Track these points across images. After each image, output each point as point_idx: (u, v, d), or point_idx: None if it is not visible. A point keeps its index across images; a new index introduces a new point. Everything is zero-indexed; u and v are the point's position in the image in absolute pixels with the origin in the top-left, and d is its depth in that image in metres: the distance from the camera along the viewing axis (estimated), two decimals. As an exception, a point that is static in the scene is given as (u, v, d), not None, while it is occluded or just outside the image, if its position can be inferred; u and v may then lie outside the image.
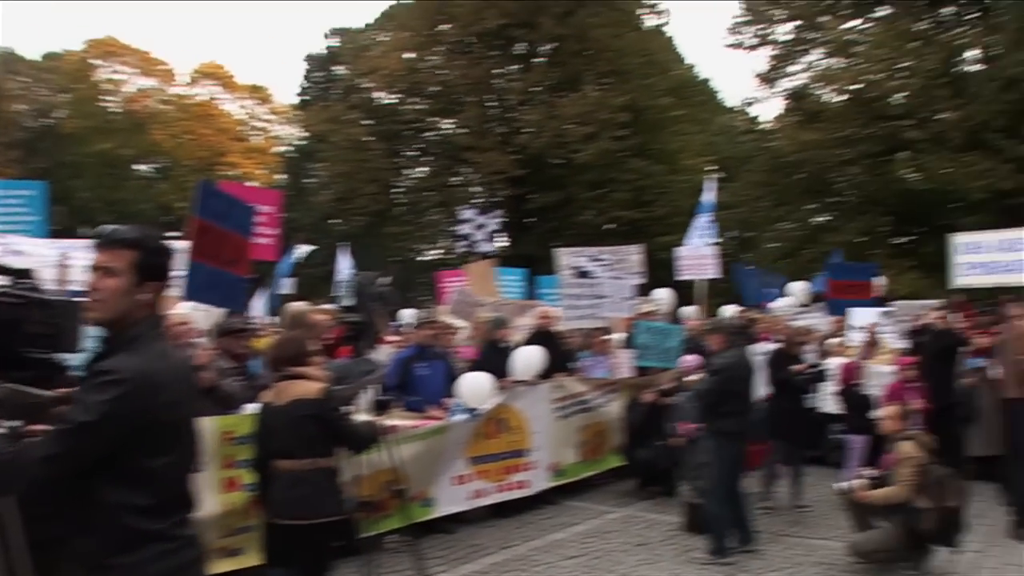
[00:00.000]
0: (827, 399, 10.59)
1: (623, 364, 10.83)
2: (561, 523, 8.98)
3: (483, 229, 16.54)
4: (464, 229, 16.72)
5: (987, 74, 24.93)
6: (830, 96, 28.66)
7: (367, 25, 40.24)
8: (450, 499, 8.43)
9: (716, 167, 29.64)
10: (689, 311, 14.23)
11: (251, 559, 6.09)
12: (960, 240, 13.03)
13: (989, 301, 14.82)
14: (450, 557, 7.59)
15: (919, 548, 6.96)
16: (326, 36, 43.07)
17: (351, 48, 39.03)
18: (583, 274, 12.12)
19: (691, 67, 40.61)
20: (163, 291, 2.82)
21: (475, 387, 8.55)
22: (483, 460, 8.85)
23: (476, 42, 33.38)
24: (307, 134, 39.67)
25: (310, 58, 42.58)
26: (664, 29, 37.61)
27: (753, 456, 8.49)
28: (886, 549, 6.96)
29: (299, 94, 42.92)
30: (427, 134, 36.46)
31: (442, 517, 8.34)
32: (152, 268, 2.74)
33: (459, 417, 8.51)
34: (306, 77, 42.52)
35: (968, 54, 26.93)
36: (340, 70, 39.97)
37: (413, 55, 33.84)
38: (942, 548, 7.01)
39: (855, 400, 9.94)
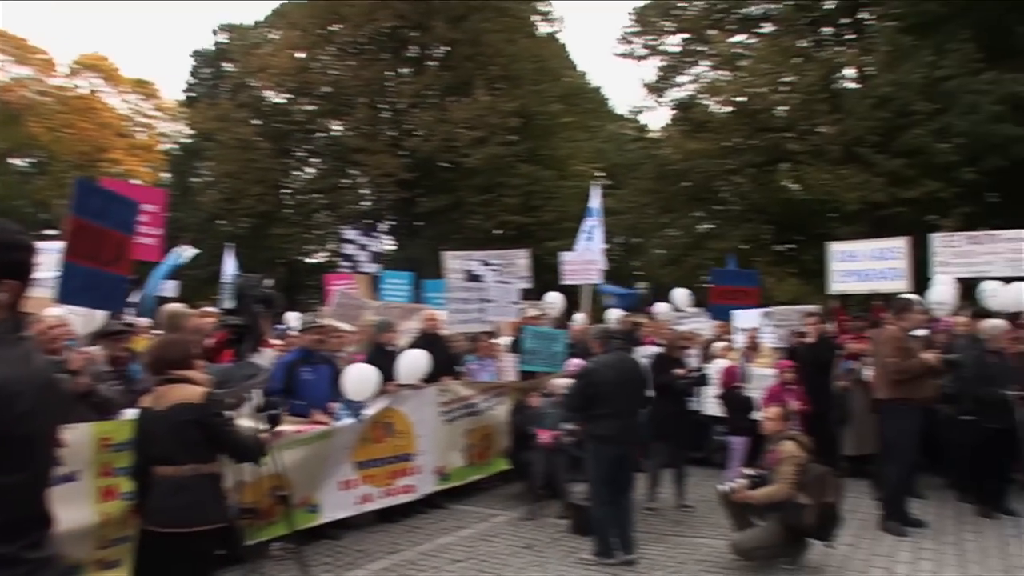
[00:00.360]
0: (709, 402, 10.93)
1: (509, 368, 10.94)
2: (448, 527, 8.97)
3: (366, 249, 16.42)
4: (347, 249, 16.59)
5: (862, 92, 26.05)
6: (716, 107, 29.42)
7: (257, 22, 39.81)
8: (336, 505, 8.35)
9: (604, 174, 30.13)
10: (580, 316, 14.42)
11: (129, 571, 5.90)
12: (836, 248, 13.56)
13: (863, 307, 15.45)
14: (336, 563, 7.51)
15: (797, 544, 7.22)
16: (215, 32, 42.37)
17: (240, 45, 38.38)
18: (474, 278, 12.18)
19: (583, 74, 41.19)
20: (23, 291, 2.54)
21: (359, 380, 8.49)
22: (369, 465, 8.80)
23: (368, 43, 33.23)
24: (193, 132, 38.75)
25: (198, 54, 41.64)
26: (557, 36, 38.07)
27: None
28: (766, 546, 7.18)
29: (186, 90, 41.98)
30: (317, 135, 36.04)
31: (328, 523, 8.25)
32: (8, 265, 2.49)
33: (345, 422, 8.43)
34: (193, 73, 41.57)
35: (845, 72, 28.10)
36: (229, 67, 39.21)
37: (304, 54, 33.44)
38: (819, 542, 7.29)
39: (736, 402, 10.28)
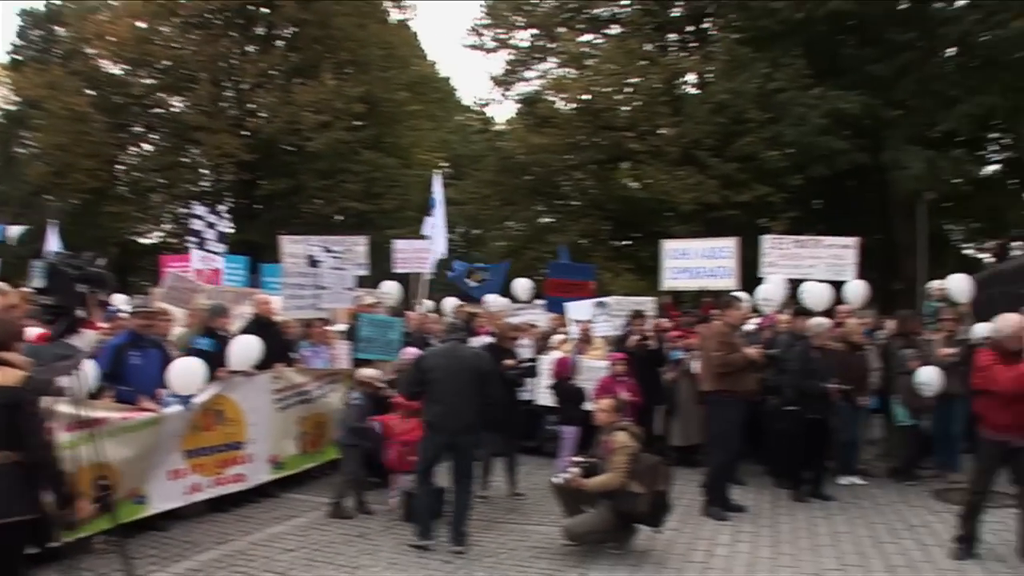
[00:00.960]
0: (542, 392, 11.16)
1: (343, 355, 10.89)
2: (280, 516, 8.90)
3: (214, 228, 15.96)
4: (195, 225, 16.07)
5: (701, 98, 27.11)
6: (561, 104, 29.91)
7: (95, -15, 37.69)
8: (164, 495, 8.13)
9: (448, 164, 30.23)
10: (427, 304, 14.41)
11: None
12: (669, 246, 14.04)
13: (695, 303, 16.07)
14: (163, 556, 7.31)
15: (626, 529, 7.52)
16: (46, -9, 39.76)
17: (75, 8, 36.20)
18: (313, 263, 12.04)
19: (432, 64, 41.04)
20: None
21: (186, 374, 8.28)
22: (199, 453, 8.61)
23: (214, 18, 32.08)
24: (19, 99, 36.50)
25: (26, 14, 39.07)
26: (408, 24, 37.81)
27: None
28: (597, 531, 7.45)
29: (11, 52, 39.32)
30: (155, 110, 34.59)
31: (155, 515, 8.03)
32: None
33: (173, 409, 8.20)
34: (20, 34, 39.04)
35: (687, 78, 29.16)
36: (61, 32, 37.00)
37: (145, 24, 31.93)
38: (647, 528, 7.61)
39: (568, 393, 10.53)
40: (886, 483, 10.52)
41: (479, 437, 8.10)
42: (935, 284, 13.17)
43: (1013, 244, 19.33)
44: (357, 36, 32.68)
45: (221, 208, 16.68)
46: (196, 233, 15.56)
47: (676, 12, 29.81)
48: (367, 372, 9.49)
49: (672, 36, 30.47)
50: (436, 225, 14.72)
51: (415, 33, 38.55)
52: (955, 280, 12.21)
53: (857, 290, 12.35)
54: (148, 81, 33.30)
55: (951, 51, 25.20)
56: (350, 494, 9.05)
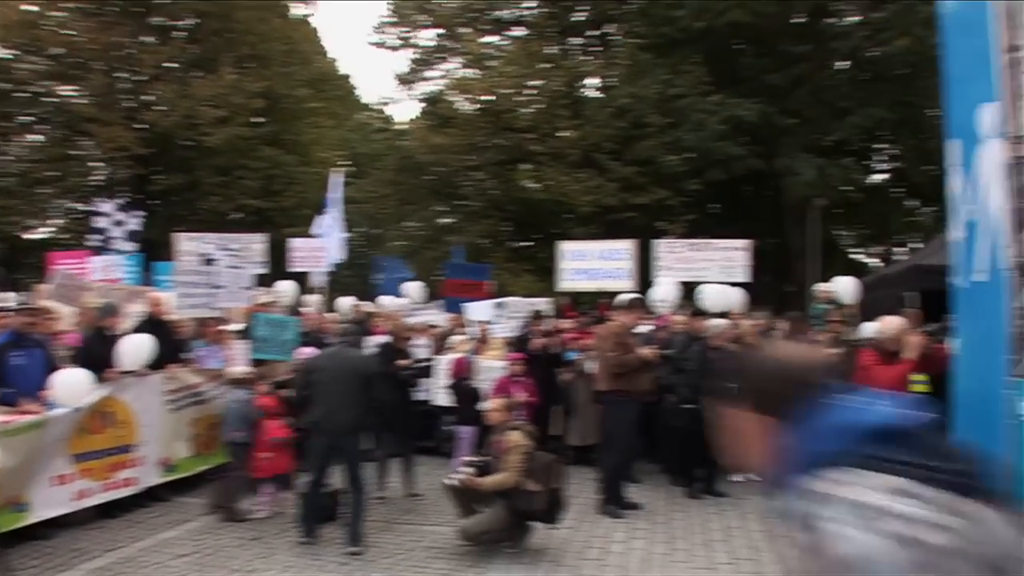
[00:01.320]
0: (438, 392, 11.16)
1: (239, 355, 10.69)
2: (172, 520, 8.71)
3: (122, 226, 15.48)
4: (100, 223, 15.56)
5: (602, 101, 27.47)
6: (463, 104, 29.98)
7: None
8: (49, 502, 7.84)
9: (349, 162, 29.99)
10: (313, 299, 14.26)
11: None
12: (567, 248, 14.21)
13: (592, 304, 16.28)
14: (47, 566, 7.07)
15: (522, 527, 7.60)
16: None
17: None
18: (208, 261, 11.83)
19: (333, 61, 40.67)
20: None
21: (70, 385, 8.00)
22: (87, 457, 8.35)
23: (110, 5, 31.10)
24: None
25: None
26: (310, 20, 37.42)
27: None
28: (493, 530, 7.50)
29: None
30: (44, 99, 33.31)
31: (39, 523, 7.73)
32: None
33: (59, 411, 7.92)
34: None
35: (588, 81, 29.51)
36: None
37: (35, 7, 30.75)
38: (543, 526, 7.69)
39: (464, 393, 10.57)
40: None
41: (365, 439, 8.10)
42: (821, 287, 13.63)
43: (895, 249, 20.30)
44: (258, 30, 32.14)
45: (123, 203, 16.21)
46: (100, 231, 15.10)
47: (579, 17, 30.14)
48: (239, 370, 9.37)
49: (575, 40, 30.80)
50: (331, 224, 14.60)
51: (315, 29, 38.18)
52: (842, 283, 12.66)
53: (736, 295, 12.68)
54: (37, 67, 32.01)
55: (843, 64, 26.24)
56: (241, 496, 8.90)
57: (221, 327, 10.91)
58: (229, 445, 9.05)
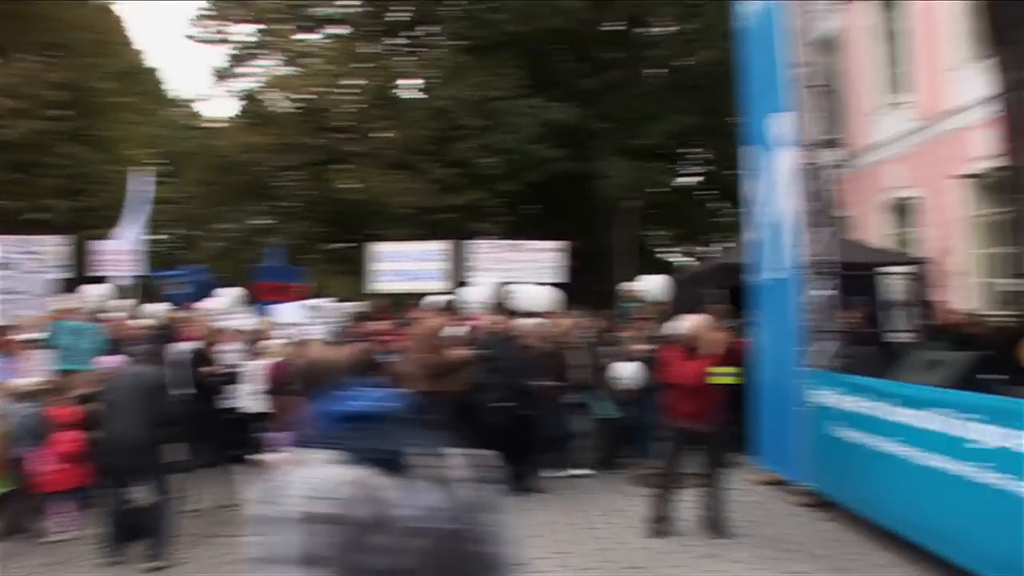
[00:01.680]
0: (250, 399, 10.84)
1: (34, 366, 10.07)
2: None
3: None
4: None
5: (420, 102, 27.58)
6: (279, 102, 29.46)
7: None
8: None
9: (163, 160, 28.90)
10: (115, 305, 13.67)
11: None
12: (380, 249, 14.17)
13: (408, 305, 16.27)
14: None
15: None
16: None
17: None
18: (2, 265, 11.17)
19: (139, 53, 39.06)
20: None
21: None
22: None
23: None
24: None
25: None
26: (113, 9, 35.74)
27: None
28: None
29: None
30: None
31: None
32: None
33: None
34: None
35: (407, 82, 29.55)
36: None
37: None
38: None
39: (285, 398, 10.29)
40: (597, 473, 11.05)
41: (178, 450, 7.82)
42: (627, 286, 14.11)
43: (701, 249, 21.39)
44: (56, 15, 30.25)
45: None
46: None
47: (398, 16, 30.09)
48: (26, 382, 8.88)
49: (394, 40, 30.72)
50: (132, 226, 14.06)
51: (119, 19, 36.48)
52: (649, 281, 13.14)
53: (549, 294, 12.97)
54: None
55: (655, 72, 27.40)
56: (36, 516, 8.43)
57: (11, 336, 10.26)
58: (16, 462, 8.52)
